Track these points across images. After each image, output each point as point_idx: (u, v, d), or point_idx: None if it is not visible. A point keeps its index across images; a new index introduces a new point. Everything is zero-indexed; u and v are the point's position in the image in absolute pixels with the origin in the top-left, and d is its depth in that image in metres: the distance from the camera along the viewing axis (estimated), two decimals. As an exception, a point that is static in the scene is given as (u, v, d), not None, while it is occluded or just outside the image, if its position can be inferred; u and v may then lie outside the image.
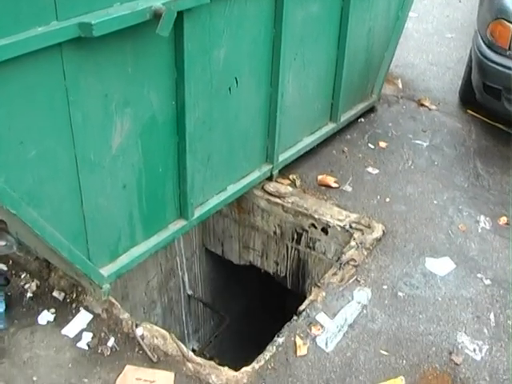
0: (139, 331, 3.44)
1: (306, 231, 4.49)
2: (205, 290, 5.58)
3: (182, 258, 5.00)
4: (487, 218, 4.56)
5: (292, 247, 4.69)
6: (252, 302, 6.35)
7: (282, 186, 4.64)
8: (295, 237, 4.60)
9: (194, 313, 5.49)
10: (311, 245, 4.54)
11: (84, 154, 2.94)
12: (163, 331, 3.47)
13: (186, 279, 5.18)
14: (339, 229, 4.31)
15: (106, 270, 3.43)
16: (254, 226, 4.81)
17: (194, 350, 5.66)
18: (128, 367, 3.30)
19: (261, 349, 3.49)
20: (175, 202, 3.78)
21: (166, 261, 4.87)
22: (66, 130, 2.79)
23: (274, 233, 4.71)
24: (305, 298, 4.80)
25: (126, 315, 3.54)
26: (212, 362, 3.35)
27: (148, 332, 3.45)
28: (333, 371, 3.32)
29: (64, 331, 3.48)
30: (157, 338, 3.41)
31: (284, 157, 4.73)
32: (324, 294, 3.80)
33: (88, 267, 3.27)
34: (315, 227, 4.42)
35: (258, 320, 6.41)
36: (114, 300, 3.63)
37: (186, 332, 5.44)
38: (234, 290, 6.05)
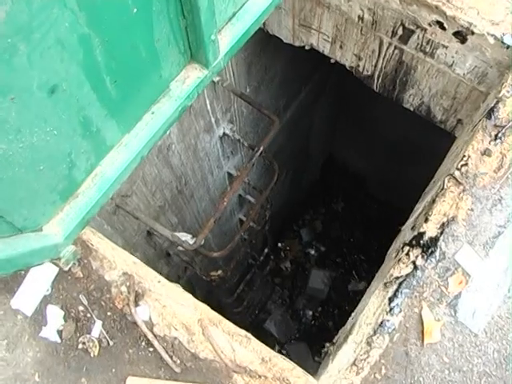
0: (143, 312, 1.93)
1: (424, 29, 2.46)
2: (238, 74, 3.71)
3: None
4: None
5: (391, 44, 2.70)
6: (309, 94, 4.46)
7: None
8: (399, 32, 2.58)
9: (221, 95, 3.73)
10: (428, 50, 2.56)
11: None
12: (185, 313, 1.94)
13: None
14: (492, 40, 2.28)
15: (60, 224, 1.73)
16: (324, 1, 2.72)
17: (226, 135, 4.11)
18: (131, 380, 1.92)
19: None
20: (178, 44, 1.82)
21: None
22: None
23: (360, 18, 2.66)
24: (396, 104, 3.07)
25: (114, 273, 1.98)
26: (279, 364, 1.91)
27: (159, 316, 1.93)
28: (486, 374, 1.90)
29: (14, 303, 2.01)
30: (176, 329, 1.92)
31: None
32: (470, 200, 2.08)
33: (16, 258, 1.61)
34: (443, 28, 2.39)
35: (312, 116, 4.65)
36: (91, 236, 2.03)
37: (213, 120, 3.78)
38: (282, 75, 4.15)
